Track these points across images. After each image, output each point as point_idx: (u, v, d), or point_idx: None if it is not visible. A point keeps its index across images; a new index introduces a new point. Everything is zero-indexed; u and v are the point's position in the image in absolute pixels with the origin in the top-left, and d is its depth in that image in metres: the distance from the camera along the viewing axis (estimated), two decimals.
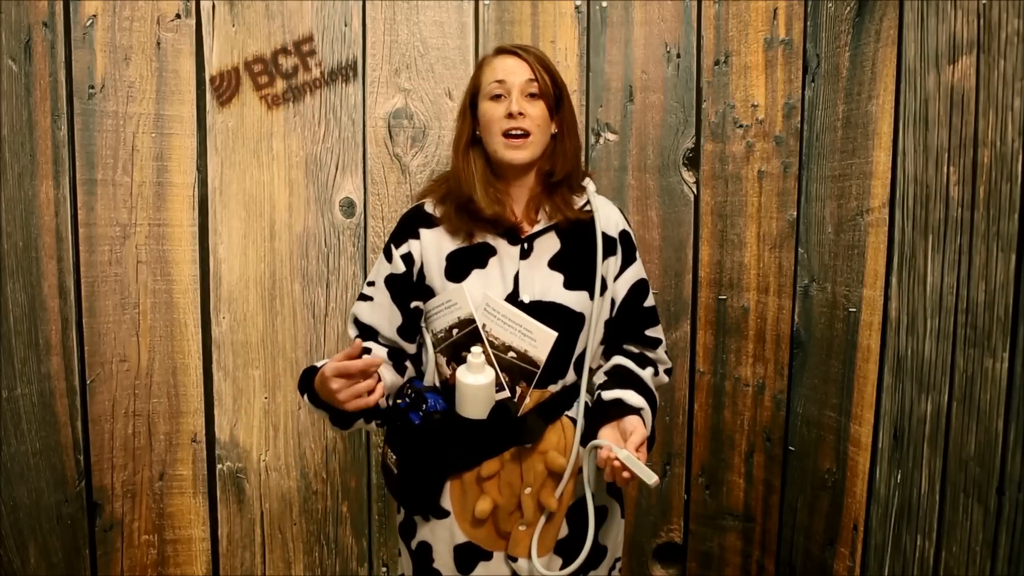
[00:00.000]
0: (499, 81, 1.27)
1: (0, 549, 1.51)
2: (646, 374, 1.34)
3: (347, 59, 1.74)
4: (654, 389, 1.33)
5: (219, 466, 1.80)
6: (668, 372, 1.42)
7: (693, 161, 1.84)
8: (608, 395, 1.28)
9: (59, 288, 1.62)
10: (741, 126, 1.81)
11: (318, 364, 1.24)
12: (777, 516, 1.86)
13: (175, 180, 1.72)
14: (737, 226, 1.84)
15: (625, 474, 1.12)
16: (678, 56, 1.81)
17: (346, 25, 1.73)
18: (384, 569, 1.88)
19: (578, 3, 1.78)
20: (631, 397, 1.26)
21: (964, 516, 1.31)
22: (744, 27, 1.78)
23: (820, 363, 1.73)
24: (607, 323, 1.36)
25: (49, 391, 1.60)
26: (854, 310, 1.61)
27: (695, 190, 1.84)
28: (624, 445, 1.16)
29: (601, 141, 1.82)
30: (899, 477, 1.48)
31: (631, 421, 1.21)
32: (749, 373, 1.86)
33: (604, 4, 1.79)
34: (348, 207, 1.77)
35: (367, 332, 1.35)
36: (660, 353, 1.40)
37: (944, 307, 1.36)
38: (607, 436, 1.20)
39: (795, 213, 1.78)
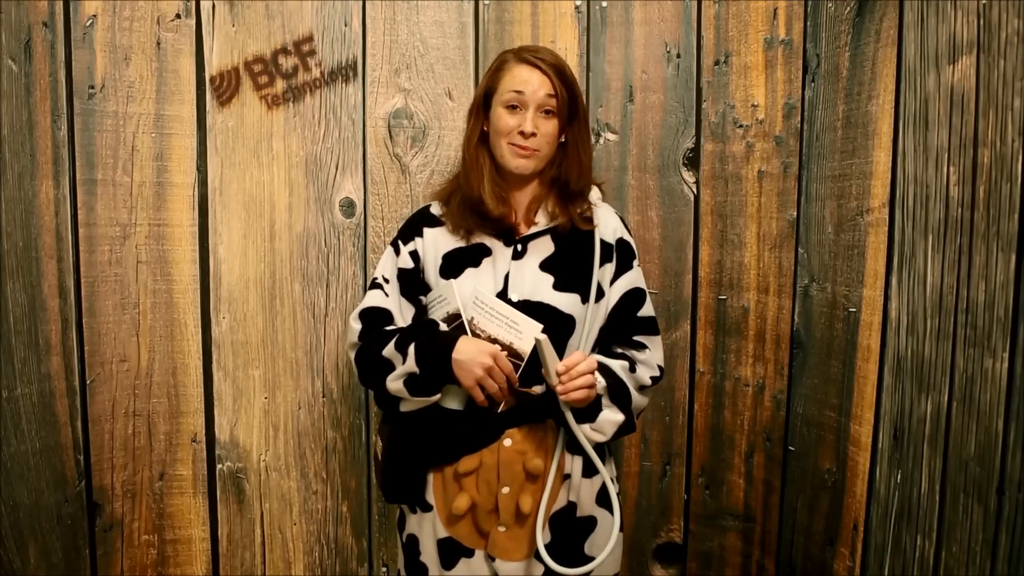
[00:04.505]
0: (517, 92, 1.28)
1: (0, 549, 1.51)
2: (616, 364, 1.31)
3: (347, 59, 1.74)
4: (620, 373, 1.31)
5: (219, 466, 1.80)
6: (654, 379, 1.37)
7: (693, 161, 1.84)
8: None
9: (59, 288, 1.62)
10: (741, 126, 1.81)
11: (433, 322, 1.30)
12: (777, 516, 1.86)
13: (175, 180, 1.72)
14: (737, 226, 1.83)
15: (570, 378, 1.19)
16: (678, 56, 1.81)
17: (346, 25, 1.73)
18: (384, 569, 1.88)
19: (578, 3, 1.78)
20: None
21: (964, 516, 1.31)
22: (744, 27, 1.78)
23: (820, 363, 1.73)
24: (602, 329, 1.36)
25: (49, 391, 1.60)
26: (854, 310, 1.61)
27: (695, 190, 1.84)
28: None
29: (601, 141, 1.82)
30: (899, 477, 1.48)
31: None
32: (749, 373, 1.86)
33: (604, 4, 1.79)
34: (348, 207, 1.77)
35: (380, 317, 1.34)
36: (646, 356, 1.37)
37: (944, 307, 1.36)
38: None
39: (795, 213, 1.78)
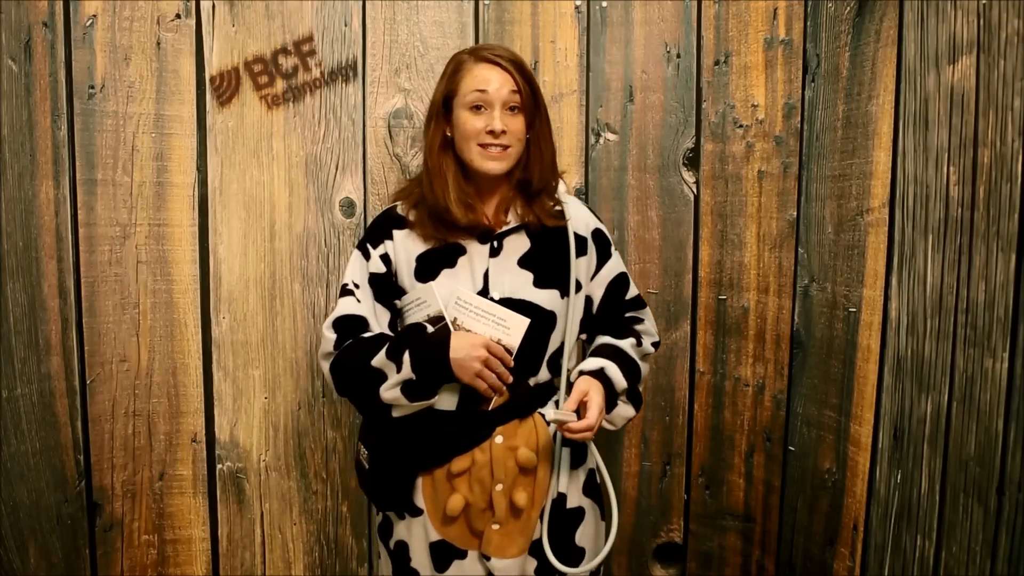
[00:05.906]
0: (481, 91, 1.27)
1: (0, 549, 1.51)
2: (625, 343, 1.37)
3: (347, 59, 1.74)
4: (632, 354, 1.36)
5: (219, 466, 1.80)
6: (655, 345, 1.44)
7: (693, 161, 1.84)
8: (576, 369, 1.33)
9: (59, 288, 1.62)
10: (741, 126, 1.81)
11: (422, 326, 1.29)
12: (777, 516, 1.86)
13: (175, 180, 1.72)
14: (737, 226, 1.84)
15: (572, 429, 1.21)
16: (678, 56, 1.81)
17: (346, 25, 1.73)
18: None
19: (578, 3, 1.78)
20: (588, 363, 1.31)
21: (964, 516, 1.31)
22: (744, 27, 1.78)
23: (820, 363, 1.73)
24: (583, 322, 1.37)
25: (49, 391, 1.60)
26: (854, 310, 1.61)
27: (695, 190, 1.84)
28: (581, 410, 1.24)
29: (601, 141, 1.82)
30: (899, 477, 1.48)
31: (579, 382, 1.27)
32: (749, 373, 1.86)
33: (604, 4, 1.79)
34: (348, 207, 1.77)
35: (355, 325, 1.32)
36: (646, 326, 1.44)
37: (944, 307, 1.36)
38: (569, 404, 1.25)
39: (795, 213, 1.78)
